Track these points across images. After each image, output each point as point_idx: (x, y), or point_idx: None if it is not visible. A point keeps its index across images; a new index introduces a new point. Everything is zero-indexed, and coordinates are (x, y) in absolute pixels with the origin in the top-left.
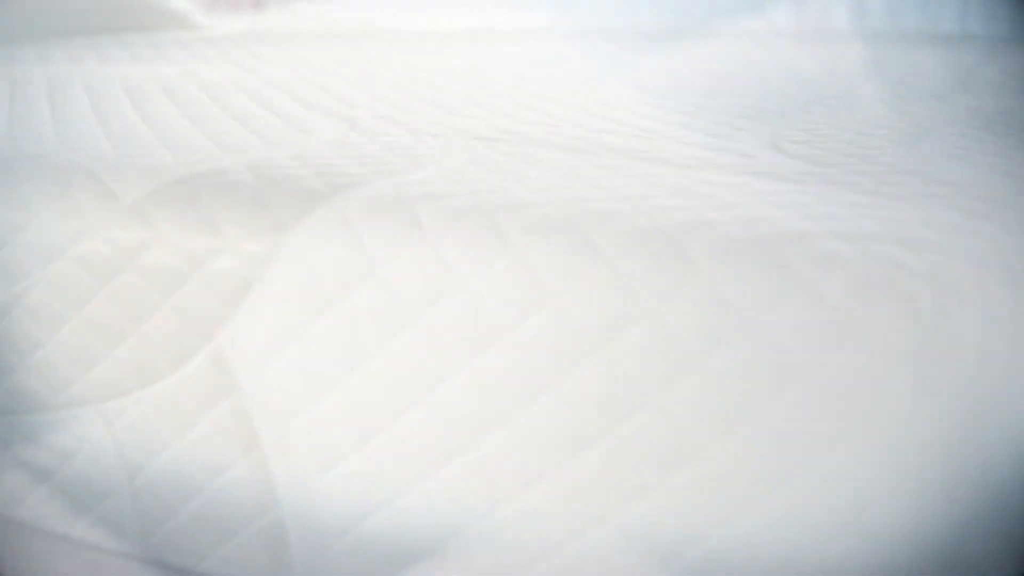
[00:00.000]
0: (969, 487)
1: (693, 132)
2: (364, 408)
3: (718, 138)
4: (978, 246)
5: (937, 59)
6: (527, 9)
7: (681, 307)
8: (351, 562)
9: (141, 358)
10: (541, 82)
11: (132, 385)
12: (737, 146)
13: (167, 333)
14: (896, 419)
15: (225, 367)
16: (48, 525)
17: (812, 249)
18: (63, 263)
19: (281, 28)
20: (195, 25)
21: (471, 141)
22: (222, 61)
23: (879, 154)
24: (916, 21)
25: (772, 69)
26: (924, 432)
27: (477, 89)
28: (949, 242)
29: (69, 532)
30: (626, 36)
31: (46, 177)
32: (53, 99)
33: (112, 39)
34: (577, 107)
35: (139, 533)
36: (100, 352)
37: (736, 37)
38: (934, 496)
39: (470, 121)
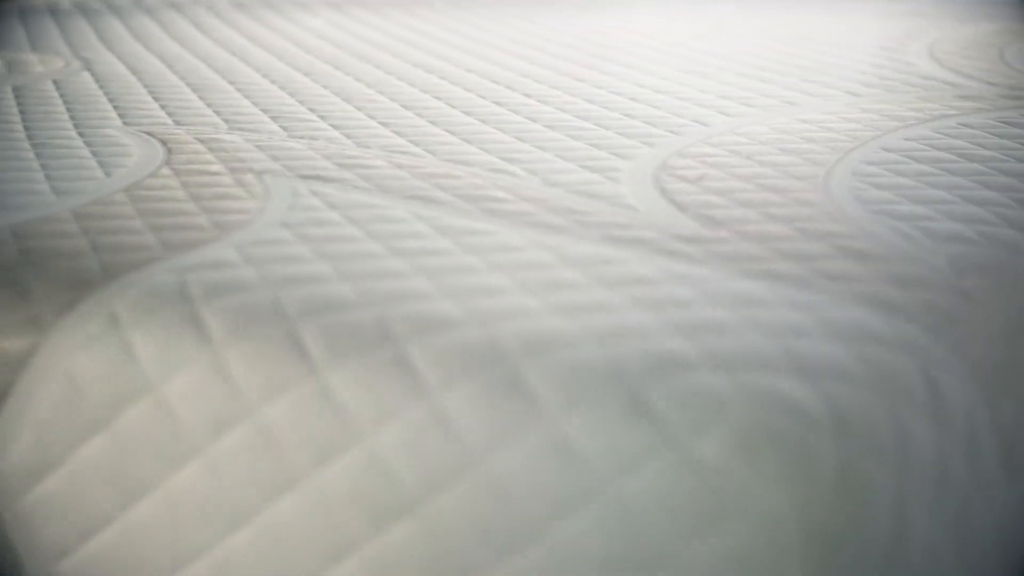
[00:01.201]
0: None
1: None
2: (144, 549)
3: (590, 172)
4: (904, 368)
5: None
6: None
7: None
8: None
9: None
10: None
11: None
12: (609, 189)
13: None
14: None
15: None
16: None
17: (675, 383)
18: None
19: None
20: None
21: (299, 181)
22: None
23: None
24: None
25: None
26: None
27: (325, 93)
28: (866, 367)
29: None
30: None
31: None
32: None
33: None
34: (444, 122)
35: None
36: None
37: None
38: None
39: (309, 148)
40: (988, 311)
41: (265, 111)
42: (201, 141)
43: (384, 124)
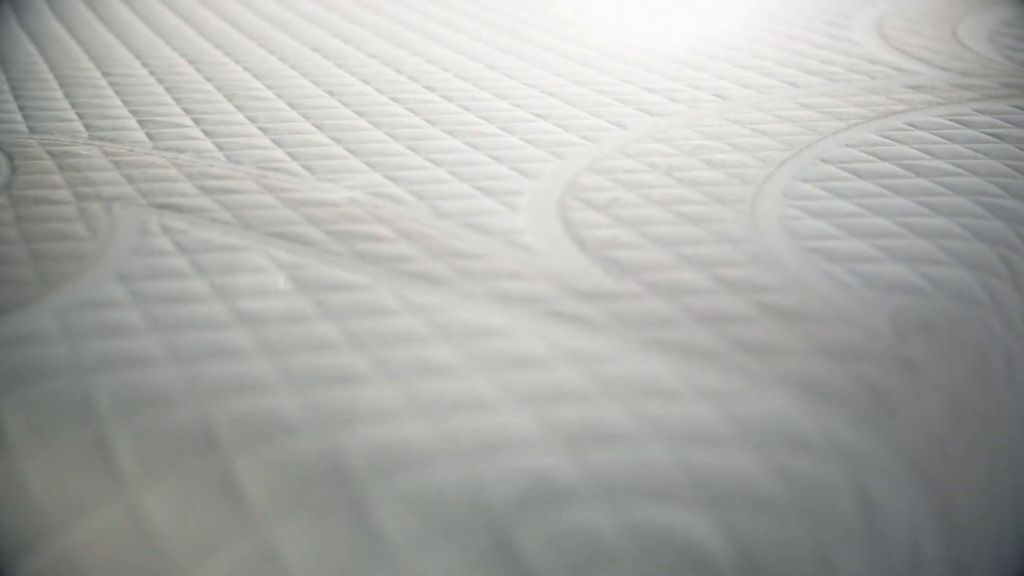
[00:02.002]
0: None
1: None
2: None
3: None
4: (833, 483)
5: None
6: None
7: None
8: None
9: None
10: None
11: None
12: (504, 222)
13: None
14: None
15: None
16: None
17: (550, 521)
18: None
19: None
20: None
21: (152, 212)
22: None
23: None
24: None
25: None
26: None
27: (206, 88)
28: (786, 487)
29: None
30: None
31: None
32: None
33: None
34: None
35: None
36: None
37: None
38: None
39: (172, 165)
40: (935, 383)
41: (134, 113)
42: (52, 156)
43: (263, 130)
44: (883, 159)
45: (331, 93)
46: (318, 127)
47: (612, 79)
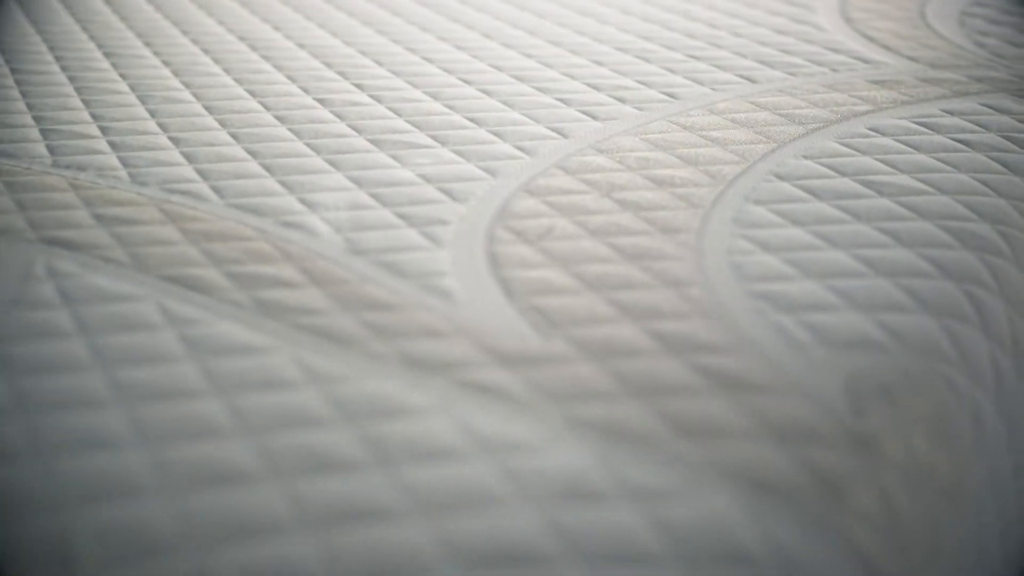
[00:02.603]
0: None
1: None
2: None
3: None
4: None
5: None
6: None
7: None
8: None
9: None
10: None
11: None
12: (425, 260)
13: None
14: None
15: None
16: None
17: None
18: None
19: None
20: None
21: (41, 249)
22: None
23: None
24: None
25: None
26: None
27: (118, 88)
28: None
29: None
30: None
31: None
32: None
33: None
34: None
35: None
36: None
37: None
38: None
39: (70, 187)
40: (894, 461)
41: (38, 120)
42: None
43: (175, 140)
44: (842, 173)
45: (253, 94)
46: (234, 136)
47: (555, 73)
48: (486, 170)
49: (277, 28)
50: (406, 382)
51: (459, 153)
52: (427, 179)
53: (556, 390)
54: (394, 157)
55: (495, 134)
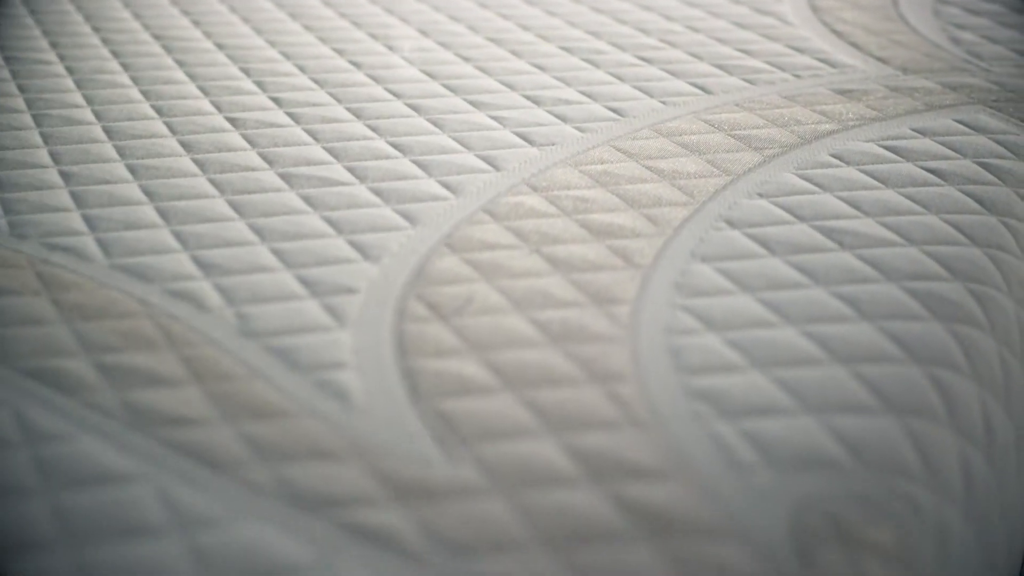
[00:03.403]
0: None
1: None
2: None
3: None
4: None
5: None
6: None
7: None
8: None
9: None
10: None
11: None
12: (324, 346)
13: None
14: None
15: None
16: None
17: None
18: None
19: None
20: None
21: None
22: None
23: None
24: None
25: None
26: None
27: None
28: None
29: None
30: None
31: None
32: None
33: None
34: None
35: None
36: None
37: None
38: None
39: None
40: None
41: None
42: None
43: (66, 176)
44: (799, 217)
45: (159, 111)
46: (131, 170)
47: (492, 83)
48: (405, 216)
49: (197, 23)
50: (284, 526)
51: (377, 192)
52: (338, 229)
53: (458, 539)
54: (304, 199)
55: (419, 165)
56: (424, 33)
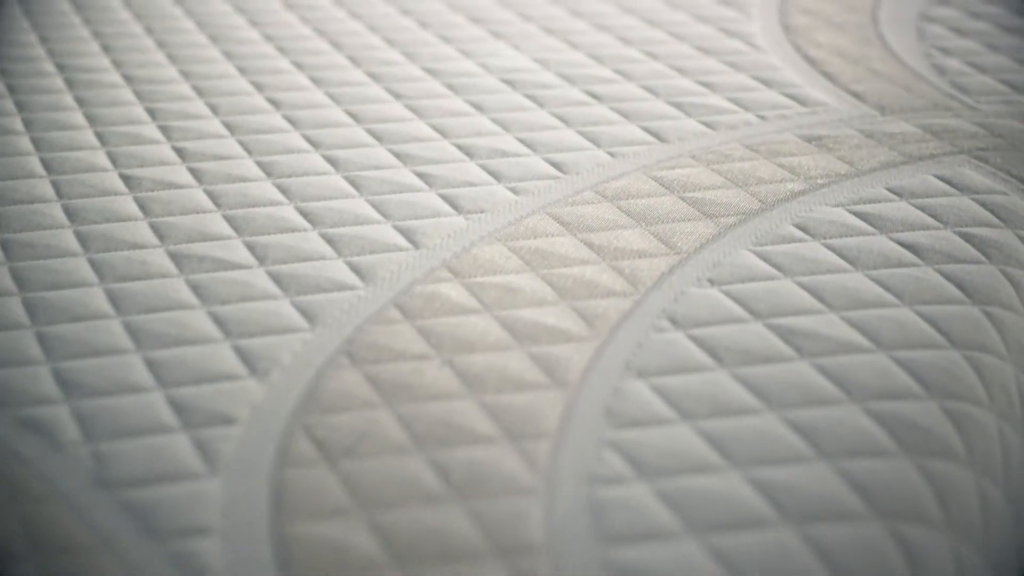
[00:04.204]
0: None
1: None
2: None
3: None
4: None
5: None
6: None
7: None
8: None
9: None
10: None
11: None
12: (196, 497)
13: None
14: None
15: None
16: None
17: None
18: None
19: None
20: None
21: None
22: None
23: None
24: None
25: None
26: None
27: None
28: None
29: None
30: None
31: None
32: None
33: None
34: None
35: None
36: None
37: None
38: None
39: None
40: None
41: None
42: None
43: None
44: (754, 313)
45: (56, 169)
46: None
47: (424, 127)
48: (304, 312)
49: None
50: None
51: (276, 280)
52: (225, 331)
53: None
54: (193, 288)
55: (328, 241)
56: (355, 62)
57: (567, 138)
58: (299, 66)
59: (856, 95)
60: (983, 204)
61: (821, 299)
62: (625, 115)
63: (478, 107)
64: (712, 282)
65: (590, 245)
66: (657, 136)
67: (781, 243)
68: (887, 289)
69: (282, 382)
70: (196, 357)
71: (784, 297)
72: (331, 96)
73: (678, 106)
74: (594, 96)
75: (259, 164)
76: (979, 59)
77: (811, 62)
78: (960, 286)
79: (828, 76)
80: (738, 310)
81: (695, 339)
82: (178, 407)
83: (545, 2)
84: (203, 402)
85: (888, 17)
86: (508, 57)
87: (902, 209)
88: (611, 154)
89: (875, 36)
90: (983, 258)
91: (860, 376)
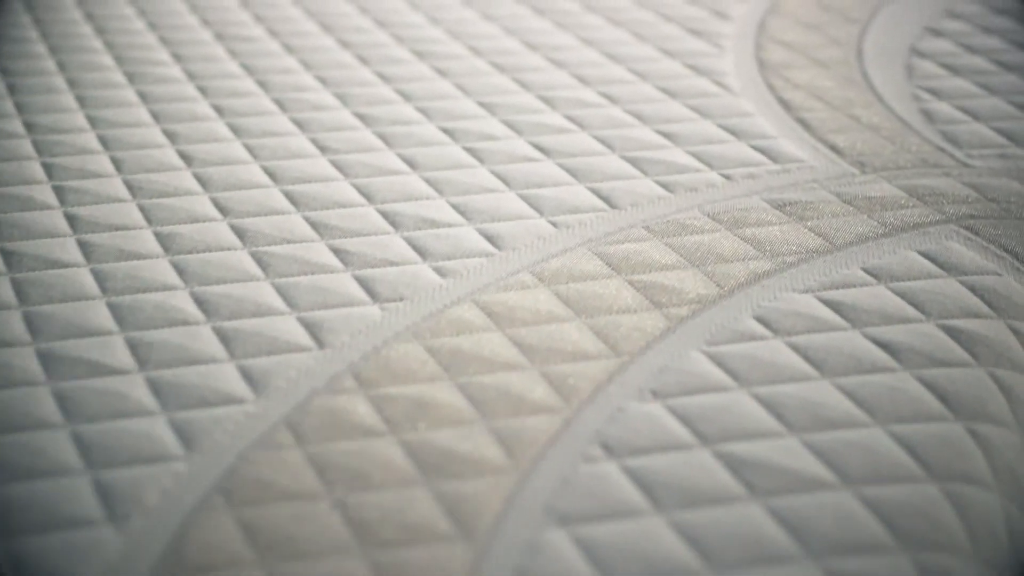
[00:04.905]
0: None
1: None
2: None
3: None
4: None
5: None
6: None
7: None
8: None
9: None
10: None
11: None
12: None
13: None
14: None
15: None
16: None
17: None
18: None
19: None
20: None
21: None
22: None
23: None
24: None
25: None
26: None
27: None
28: None
29: None
30: None
31: None
32: None
33: None
34: None
35: None
36: None
37: None
38: None
39: None
40: None
41: None
42: None
43: None
44: (700, 436)
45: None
46: None
47: (347, 189)
48: (182, 434)
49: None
50: None
51: (155, 390)
52: (88, 460)
53: None
54: (59, 398)
55: (223, 338)
56: (282, 109)
57: (506, 204)
58: (219, 110)
59: (835, 148)
60: (972, 288)
61: (780, 417)
62: (574, 174)
63: (411, 163)
64: (656, 395)
65: (519, 344)
66: (608, 201)
67: (738, 341)
68: (857, 403)
69: (144, 532)
70: (47, 492)
71: (737, 416)
72: (248, 149)
73: (634, 162)
74: (541, 149)
75: (156, 236)
76: (973, 103)
77: (787, 107)
78: (942, 397)
79: (805, 124)
80: (683, 433)
81: (630, 473)
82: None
83: (500, 32)
84: (44, 564)
85: (875, 50)
86: (452, 99)
87: (879, 296)
88: (554, 224)
89: (859, 74)
90: (970, 359)
91: (819, 523)
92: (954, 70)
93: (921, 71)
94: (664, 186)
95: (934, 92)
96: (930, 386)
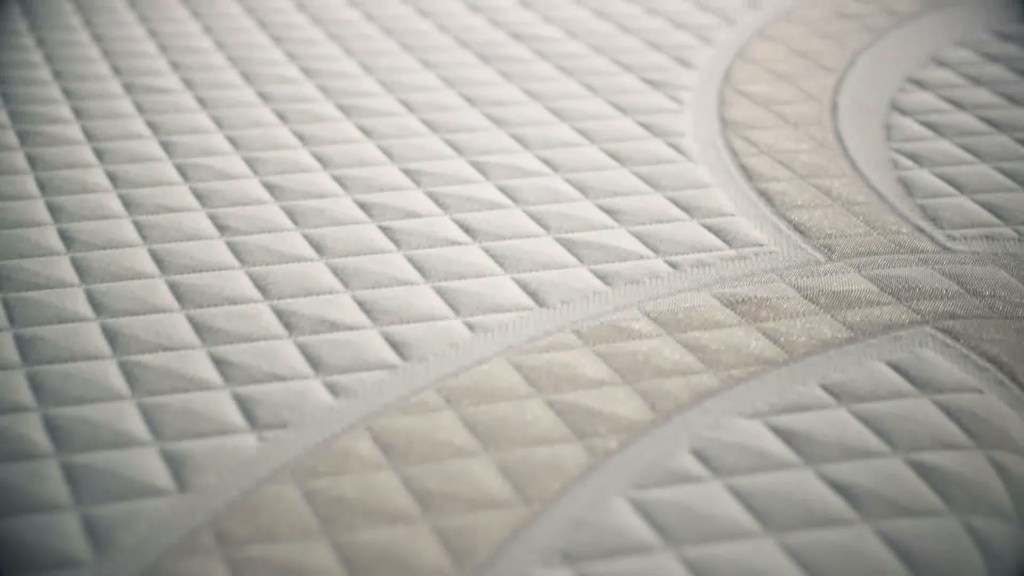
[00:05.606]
0: None
1: None
2: None
3: None
4: None
5: None
6: None
7: None
8: None
9: None
10: None
11: None
12: None
13: None
14: None
15: None
16: None
17: None
18: None
19: None
20: None
21: None
22: None
23: None
24: None
25: None
26: None
27: None
28: None
29: None
30: None
31: None
32: None
33: None
34: None
35: None
36: None
37: None
38: None
39: None
40: None
41: None
42: None
43: None
44: None
45: None
46: None
47: (266, 308)
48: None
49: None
50: None
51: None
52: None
53: None
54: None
55: (161, 458)
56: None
57: (419, 301)
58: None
59: (799, 228)
60: (947, 410)
61: None
62: (500, 261)
63: (319, 248)
64: (565, 559)
65: (413, 489)
66: (535, 297)
67: (671, 484)
68: (804, 566)
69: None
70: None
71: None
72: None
73: (569, 246)
74: (467, 229)
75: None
76: (957, 171)
77: (749, 175)
78: (906, 558)
79: (767, 197)
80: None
81: None
82: None
83: (437, 81)
84: None
85: (851, 105)
86: (379, 169)
87: (838, 423)
88: (470, 326)
89: (832, 135)
90: (942, 506)
91: None
92: (938, 130)
93: (901, 131)
94: (601, 277)
95: (914, 157)
96: (892, 545)
